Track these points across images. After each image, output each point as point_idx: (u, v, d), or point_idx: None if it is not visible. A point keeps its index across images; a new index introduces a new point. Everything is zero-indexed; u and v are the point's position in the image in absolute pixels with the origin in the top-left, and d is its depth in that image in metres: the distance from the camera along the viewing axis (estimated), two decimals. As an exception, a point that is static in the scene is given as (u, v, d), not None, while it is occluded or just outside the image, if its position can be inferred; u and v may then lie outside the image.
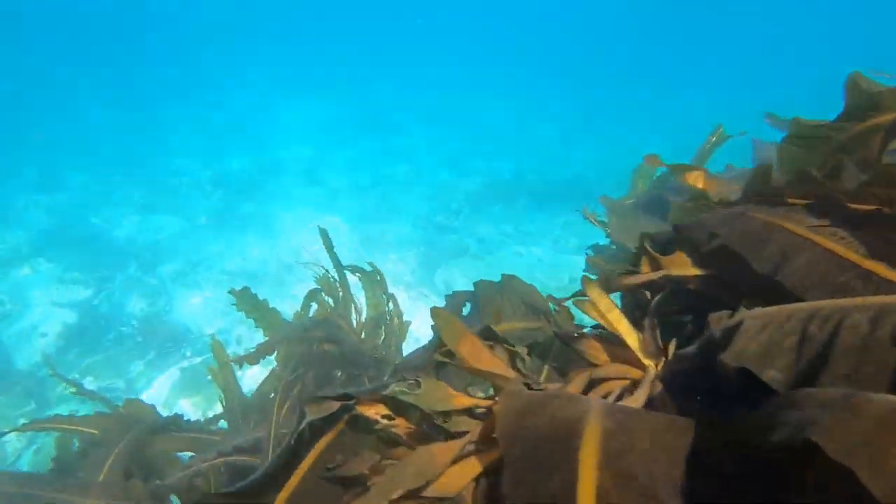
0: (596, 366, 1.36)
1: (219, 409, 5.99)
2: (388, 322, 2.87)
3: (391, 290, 7.41)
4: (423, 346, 1.85)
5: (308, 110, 19.07)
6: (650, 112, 20.83)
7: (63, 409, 6.15)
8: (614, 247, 3.08)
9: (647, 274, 1.43)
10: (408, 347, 3.31)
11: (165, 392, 6.43)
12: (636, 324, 1.37)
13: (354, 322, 2.94)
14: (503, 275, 2.15)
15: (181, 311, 8.07)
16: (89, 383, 6.77)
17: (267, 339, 2.73)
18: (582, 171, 15.02)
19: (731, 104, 19.76)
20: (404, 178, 13.81)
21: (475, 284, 2.24)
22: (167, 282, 8.73)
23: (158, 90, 20.58)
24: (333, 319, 2.68)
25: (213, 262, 9.14)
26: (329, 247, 3.22)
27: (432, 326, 2.11)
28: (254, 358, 2.57)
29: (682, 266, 1.34)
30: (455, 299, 2.31)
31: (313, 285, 7.70)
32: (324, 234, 3.42)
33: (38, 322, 7.55)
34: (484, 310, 2.09)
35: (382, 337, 2.89)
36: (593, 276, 3.13)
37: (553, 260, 9.79)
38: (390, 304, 2.91)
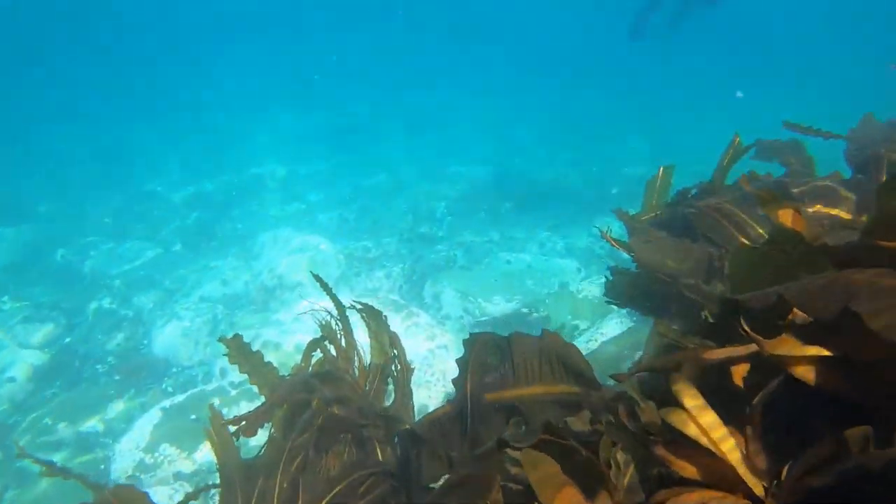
0: (683, 481, 1.03)
1: (206, 450, 5.59)
2: (395, 373, 2.53)
3: (382, 311, 7.07)
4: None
5: (281, 125, 18.64)
6: (628, 111, 20.73)
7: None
8: (636, 269, 2.78)
9: (742, 349, 1.09)
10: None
11: (147, 435, 5.99)
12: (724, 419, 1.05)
13: (357, 370, 2.60)
14: (544, 331, 1.83)
15: (160, 344, 7.62)
16: (65, 428, 6.32)
17: (263, 401, 2.38)
18: (564, 171, 14.81)
19: (709, 103, 19.85)
20: (385, 189, 13.46)
21: (511, 338, 1.91)
22: (143, 313, 8.27)
23: (125, 112, 19.96)
24: (338, 374, 2.33)
25: (191, 290, 8.69)
26: (330, 292, 2.87)
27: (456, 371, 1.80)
28: (251, 428, 2.22)
29: (797, 348, 1.01)
30: (479, 348, 1.99)
31: (297, 310, 7.32)
32: (318, 279, 3.06)
33: (5, 366, 7.04)
34: (518, 370, 1.77)
35: (390, 389, 2.55)
36: (609, 299, 2.82)
37: (542, 265, 9.50)
38: (395, 351, 2.57)
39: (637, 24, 11.11)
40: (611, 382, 1.97)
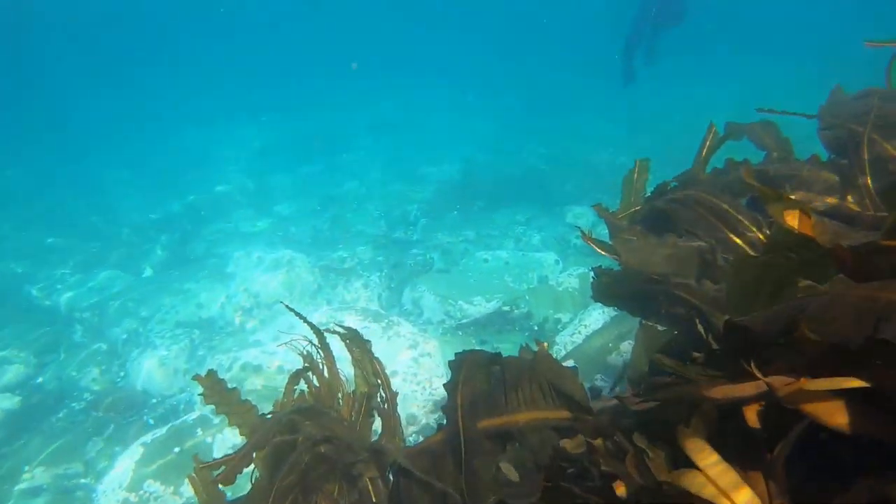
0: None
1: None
2: (382, 402, 2.42)
3: (361, 324, 6.94)
4: None
5: (244, 138, 18.30)
6: (595, 97, 20.78)
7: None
8: (620, 269, 2.70)
9: (752, 387, 0.99)
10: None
11: (130, 472, 5.78)
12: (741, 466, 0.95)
13: (341, 400, 2.48)
14: (538, 352, 1.74)
15: (137, 375, 7.38)
16: (42, 473, 6.07)
17: (245, 443, 2.25)
18: (534, 163, 14.79)
19: (677, 84, 19.96)
20: (355, 196, 13.29)
21: (502, 360, 1.82)
22: (118, 344, 8.01)
23: (82, 136, 19.41)
24: (322, 408, 2.21)
25: (165, 316, 8.43)
26: (308, 322, 2.74)
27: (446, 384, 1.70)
28: (229, 475, 2.09)
29: (817, 388, 0.91)
30: (467, 370, 1.89)
31: (275, 330, 7.14)
32: (293, 311, 2.94)
33: (-25, 413, 6.75)
34: (510, 395, 1.67)
35: (376, 421, 2.44)
36: (597, 299, 2.74)
37: (519, 261, 9.44)
38: (379, 380, 2.45)
39: (626, 70, 11.10)
40: (602, 385, 1.88)
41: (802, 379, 0.84)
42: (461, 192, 12.83)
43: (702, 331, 1.42)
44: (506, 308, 7.94)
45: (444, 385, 1.91)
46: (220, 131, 19.16)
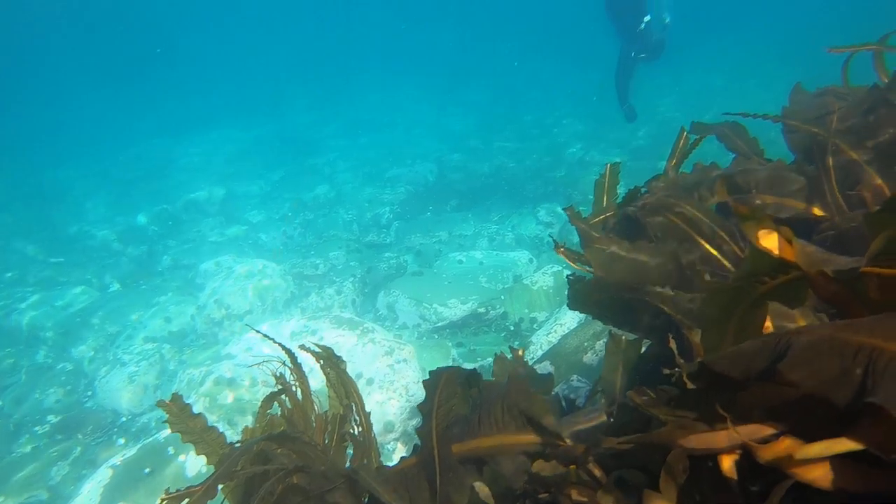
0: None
1: None
2: (356, 424, 2.32)
3: (335, 332, 6.80)
4: None
5: (212, 144, 17.93)
6: (563, 92, 20.85)
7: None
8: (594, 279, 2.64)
9: (727, 436, 0.89)
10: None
11: (98, 497, 5.56)
12: None
13: (314, 423, 2.37)
14: (510, 374, 1.66)
15: (105, 394, 7.13)
16: None
17: (209, 474, 2.13)
18: (503, 161, 14.76)
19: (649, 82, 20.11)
20: (326, 200, 13.11)
21: (478, 382, 1.74)
22: (83, 363, 7.74)
23: (42, 145, 18.83)
24: (295, 434, 2.10)
25: (133, 331, 8.18)
26: (279, 343, 2.63)
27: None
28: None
29: (798, 451, 0.80)
30: (443, 389, 1.80)
31: (248, 339, 6.97)
32: (262, 334, 2.81)
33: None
34: (483, 418, 1.59)
35: (349, 446, 2.33)
36: (575, 310, 2.68)
37: (494, 261, 9.40)
38: (353, 403, 2.35)
39: (626, 111, 11.02)
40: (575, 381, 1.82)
41: (782, 439, 0.77)
42: (434, 193, 12.75)
43: (674, 348, 1.36)
44: (481, 309, 7.88)
45: (419, 406, 1.82)
46: (190, 137, 18.75)
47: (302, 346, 2.74)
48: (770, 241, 1.02)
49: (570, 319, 6.78)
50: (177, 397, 2.70)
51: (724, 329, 1.05)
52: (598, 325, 6.05)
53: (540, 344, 6.78)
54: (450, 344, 7.42)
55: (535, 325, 7.70)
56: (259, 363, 2.76)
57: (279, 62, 31.04)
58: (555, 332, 6.79)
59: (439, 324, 7.78)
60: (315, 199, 13.16)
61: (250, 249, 10.19)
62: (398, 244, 10.56)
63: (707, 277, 1.78)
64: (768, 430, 0.81)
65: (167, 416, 2.68)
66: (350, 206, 12.50)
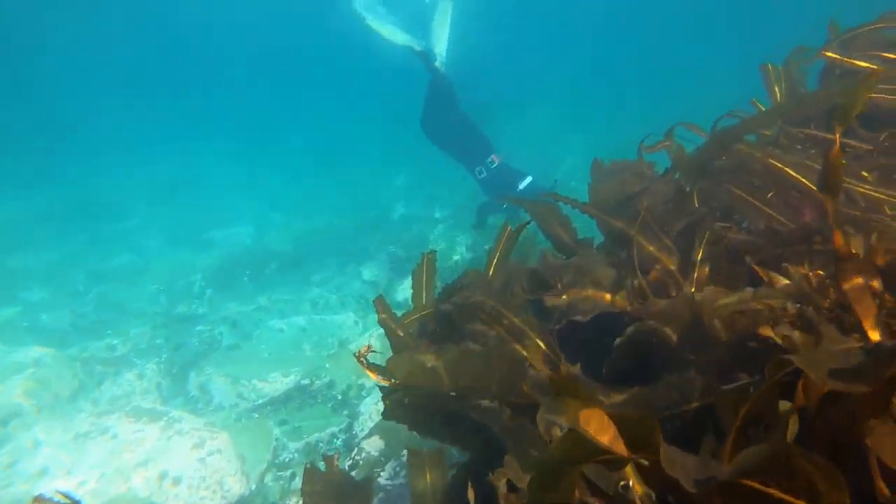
0: None
1: None
2: None
3: (133, 426, 5.79)
4: None
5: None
6: (385, 147, 21.02)
7: None
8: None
9: None
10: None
11: None
12: None
13: None
14: None
15: None
16: None
17: None
18: (326, 219, 14.37)
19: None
20: (130, 270, 11.61)
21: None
22: None
23: None
24: None
25: None
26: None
27: None
28: None
29: None
30: None
31: (10, 454, 5.66)
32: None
33: None
34: None
35: None
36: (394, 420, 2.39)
37: (317, 326, 8.89)
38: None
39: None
40: None
41: None
42: (252, 256, 11.90)
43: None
44: (306, 381, 7.31)
45: None
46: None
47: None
48: (589, 419, 0.81)
49: (397, 384, 6.51)
50: None
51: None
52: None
53: (369, 413, 6.40)
54: (272, 423, 6.72)
55: (363, 392, 7.30)
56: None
57: (65, 122, 27.72)
58: (383, 404, 6.45)
59: (259, 401, 7.05)
60: (115, 269, 11.59)
61: (25, 334, 8.53)
62: (212, 314, 9.58)
63: (525, 388, 1.60)
64: None
65: None
66: (157, 275, 11.18)
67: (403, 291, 9.67)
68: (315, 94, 30.81)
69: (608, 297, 1.78)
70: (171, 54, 33.06)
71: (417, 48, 9.11)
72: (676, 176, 2.53)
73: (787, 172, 2.15)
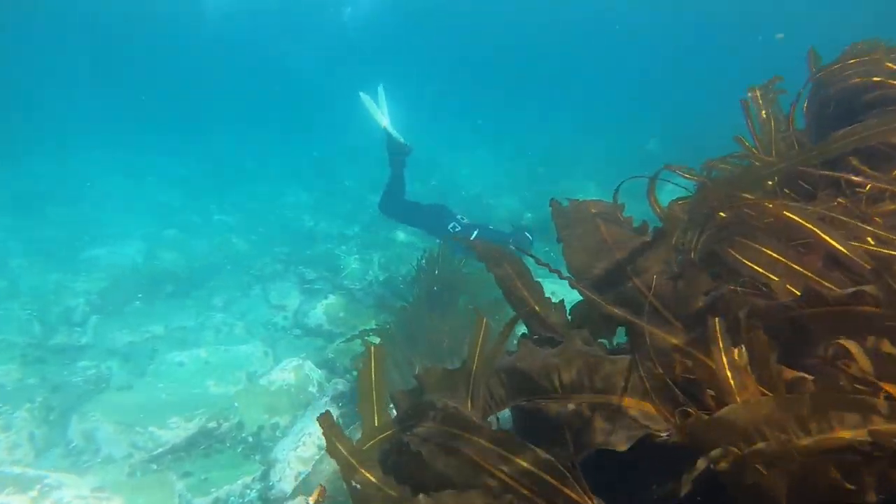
0: None
1: None
2: None
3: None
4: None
5: None
6: (285, 160, 19.86)
7: None
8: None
9: None
10: None
11: None
12: None
13: None
14: None
15: None
16: None
17: None
18: (226, 236, 13.21)
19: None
20: (-9, 296, 9.88)
21: None
22: None
23: None
24: None
25: None
26: None
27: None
28: None
29: None
30: None
31: None
32: None
33: None
34: None
35: None
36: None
37: (222, 358, 7.97)
38: None
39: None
40: None
41: None
42: (144, 277, 10.59)
43: None
44: (211, 424, 6.45)
45: None
46: None
47: None
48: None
49: (318, 429, 5.85)
50: None
51: None
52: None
53: (288, 461, 5.71)
54: (174, 476, 5.81)
55: (277, 433, 6.56)
56: None
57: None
58: (304, 444, 5.80)
59: (158, 451, 6.10)
60: (-27, 295, 9.82)
61: None
62: (98, 346, 8.33)
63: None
64: None
65: None
66: (28, 300, 9.61)
67: (316, 317, 8.95)
68: (214, 106, 28.81)
69: (645, 408, 1.40)
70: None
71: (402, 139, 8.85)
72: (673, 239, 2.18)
73: (819, 234, 1.89)
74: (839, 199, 2.16)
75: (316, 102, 28.38)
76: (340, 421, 5.89)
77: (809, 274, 1.84)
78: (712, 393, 1.56)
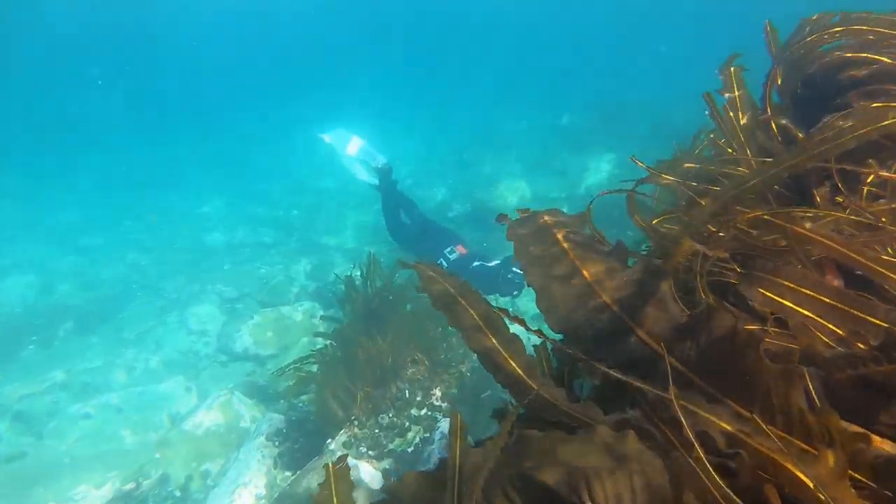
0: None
1: None
2: None
3: None
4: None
5: None
6: (197, 166, 18.11)
7: None
8: None
9: None
10: None
11: None
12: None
13: None
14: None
15: None
16: None
17: None
18: (134, 258, 11.78)
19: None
20: None
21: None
22: None
23: None
24: None
25: None
26: None
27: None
28: None
29: None
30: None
31: None
32: None
33: None
34: None
35: None
36: None
37: (137, 401, 6.91)
38: None
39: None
40: None
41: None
42: (38, 316, 9.17)
43: None
44: (129, 485, 5.47)
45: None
46: None
47: None
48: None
49: (257, 476, 5.05)
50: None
51: None
52: (312, 485, 4.50)
53: (223, 518, 4.86)
54: (86, 557, 4.84)
55: (209, 481, 5.67)
56: None
57: None
58: (239, 496, 4.96)
59: (63, 530, 5.07)
60: None
61: None
62: (-17, 406, 7.00)
63: None
64: None
65: None
66: None
67: (241, 339, 7.99)
68: (113, 114, 26.21)
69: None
70: None
71: (379, 165, 7.89)
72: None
73: (853, 256, 1.34)
74: (837, 198, 1.65)
75: (227, 103, 26.48)
76: (276, 465, 5.09)
77: (861, 315, 1.27)
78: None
